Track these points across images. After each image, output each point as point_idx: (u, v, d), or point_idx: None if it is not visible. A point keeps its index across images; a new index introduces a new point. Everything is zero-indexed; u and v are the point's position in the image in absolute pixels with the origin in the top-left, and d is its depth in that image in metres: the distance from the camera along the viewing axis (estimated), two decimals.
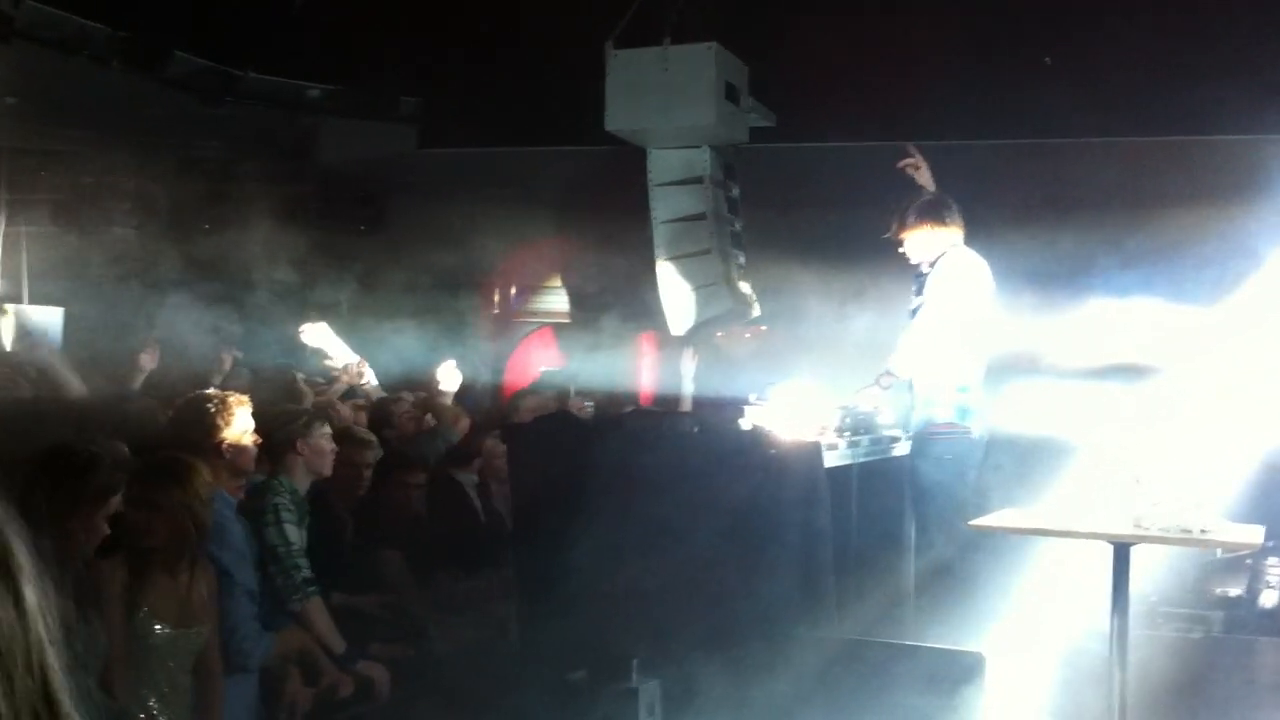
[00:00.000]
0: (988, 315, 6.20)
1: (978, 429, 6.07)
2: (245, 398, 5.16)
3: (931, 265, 6.24)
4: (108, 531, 3.88)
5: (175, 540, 4.24)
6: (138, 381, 7.06)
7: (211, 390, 5.25)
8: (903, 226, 6.34)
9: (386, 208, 14.05)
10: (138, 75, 11.52)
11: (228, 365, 8.19)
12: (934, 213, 6.31)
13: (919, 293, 6.27)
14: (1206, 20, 9.79)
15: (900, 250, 6.40)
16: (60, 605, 3.73)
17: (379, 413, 7.76)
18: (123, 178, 11.88)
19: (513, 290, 14.65)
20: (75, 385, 6.82)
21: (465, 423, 7.62)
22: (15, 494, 3.86)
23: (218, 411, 4.94)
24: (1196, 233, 8.95)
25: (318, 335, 8.12)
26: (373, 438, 6.36)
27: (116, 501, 3.90)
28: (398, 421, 7.67)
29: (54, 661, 1.18)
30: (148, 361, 7.13)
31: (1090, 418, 6.09)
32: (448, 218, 13.36)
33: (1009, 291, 6.62)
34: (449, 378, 8.17)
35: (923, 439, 6.11)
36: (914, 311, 6.28)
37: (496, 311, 14.62)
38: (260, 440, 5.12)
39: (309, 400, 7.14)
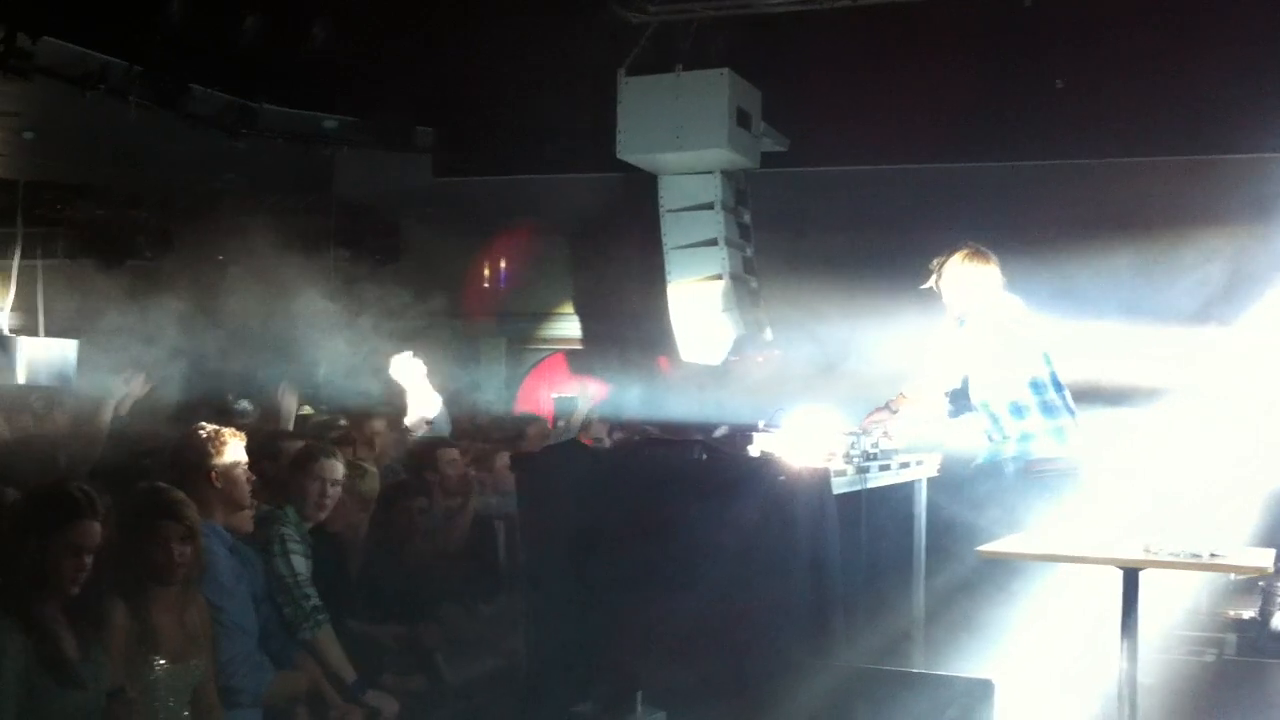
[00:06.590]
0: (1040, 352, 6.05)
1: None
2: (239, 431, 5.18)
3: (973, 313, 6.09)
4: (89, 561, 3.91)
5: (165, 572, 4.26)
6: (125, 408, 7.00)
7: (205, 424, 5.24)
8: (939, 277, 6.23)
9: (403, 237, 14.13)
10: (156, 110, 11.63)
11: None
12: (971, 260, 6.15)
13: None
14: (1215, 42, 9.78)
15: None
16: (57, 637, 3.76)
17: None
18: (140, 211, 11.99)
19: (526, 317, 14.67)
20: (102, 418, 6.79)
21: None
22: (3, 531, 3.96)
23: (209, 442, 4.96)
24: (1212, 253, 8.92)
25: (405, 368, 7.94)
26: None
27: (95, 535, 3.93)
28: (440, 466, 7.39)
29: None
30: (137, 388, 7.08)
31: (1099, 442, 6.06)
32: (463, 246, 13.43)
33: None
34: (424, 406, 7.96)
35: (1026, 472, 5.96)
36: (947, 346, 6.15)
37: (510, 338, 14.65)
38: (253, 476, 5.13)
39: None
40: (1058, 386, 6.06)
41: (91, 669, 3.91)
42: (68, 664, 3.83)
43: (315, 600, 5.36)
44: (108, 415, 6.58)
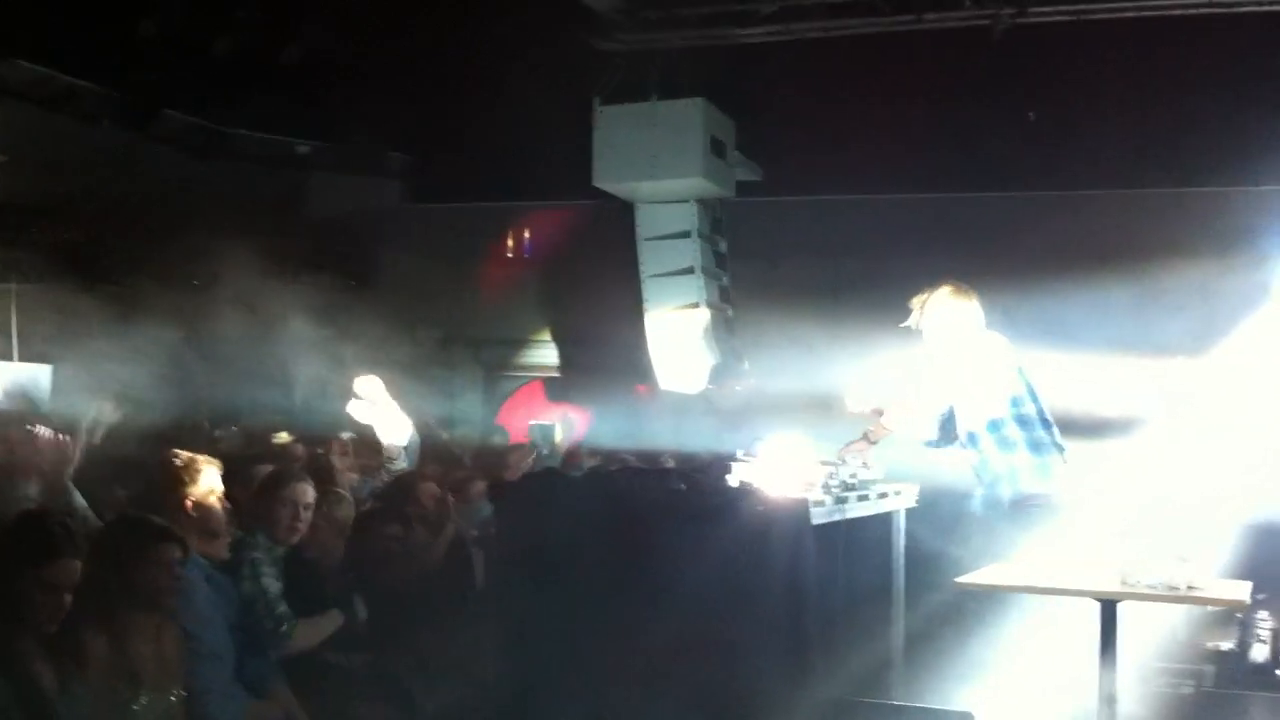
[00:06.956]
0: (1025, 387, 6.03)
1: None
2: (214, 459, 5.14)
3: (955, 348, 6.07)
4: (68, 599, 3.85)
5: (162, 598, 4.23)
6: (98, 436, 6.90)
7: (179, 451, 5.19)
8: (921, 314, 6.18)
9: (375, 263, 14.08)
10: (127, 132, 11.57)
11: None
12: (954, 297, 6.11)
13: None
14: (1191, 76, 9.87)
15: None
16: (35, 674, 3.67)
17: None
18: (111, 234, 11.90)
19: (503, 344, 14.62)
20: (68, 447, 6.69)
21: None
22: None
23: (184, 471, 4.92)
24: (1190, 285, 8.98)
25: (369, 390, 7.86)
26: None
27: (75, 572, 3.87)
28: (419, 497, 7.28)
29: None
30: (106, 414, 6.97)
31: (1082, 473, 6.05)
32: (436, 272, 13.39)
33: None
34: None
35: (1009, 506, 5.93)
36: (927, 380, 6.11)
37: (487, 365, 14.59)
38: (228, 502, 5.09)
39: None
40: (1044, 422, 6.04)
41: (69, 703, 3.85)
42: (46, 700, 3.76)
43: (283, 608, 5.31)
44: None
